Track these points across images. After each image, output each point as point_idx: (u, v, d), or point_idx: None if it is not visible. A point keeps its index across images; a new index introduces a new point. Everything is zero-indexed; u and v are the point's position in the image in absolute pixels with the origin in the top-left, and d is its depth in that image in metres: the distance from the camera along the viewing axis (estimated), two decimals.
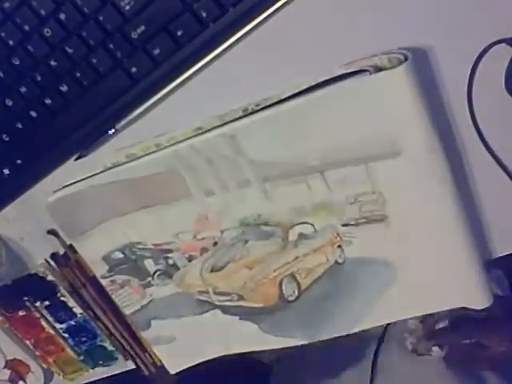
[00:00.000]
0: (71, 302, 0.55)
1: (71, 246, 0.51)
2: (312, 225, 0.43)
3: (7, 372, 0.62)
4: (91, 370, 0.61)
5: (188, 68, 0.40)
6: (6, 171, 0.48)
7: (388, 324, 0.59)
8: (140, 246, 0.48)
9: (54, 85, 0.43)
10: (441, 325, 0.61)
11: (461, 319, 0.58)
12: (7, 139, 0.46)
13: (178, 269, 0.49)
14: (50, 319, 0.57)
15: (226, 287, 0.47)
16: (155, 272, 0.50)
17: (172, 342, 0.53)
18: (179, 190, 0.44)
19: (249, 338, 0.50)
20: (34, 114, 0.44)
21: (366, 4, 0.36)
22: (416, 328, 0.65)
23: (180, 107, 0.42)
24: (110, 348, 0.57)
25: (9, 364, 0.62)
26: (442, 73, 0.37)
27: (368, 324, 0.45)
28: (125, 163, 0.44)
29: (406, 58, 0.34)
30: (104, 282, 0.51)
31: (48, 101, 0.43)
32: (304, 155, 0.40)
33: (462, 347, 0.60)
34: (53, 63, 0.42)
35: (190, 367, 0.55)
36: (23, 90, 0.43)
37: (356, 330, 0.46)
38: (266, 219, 0.44)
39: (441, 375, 0.62)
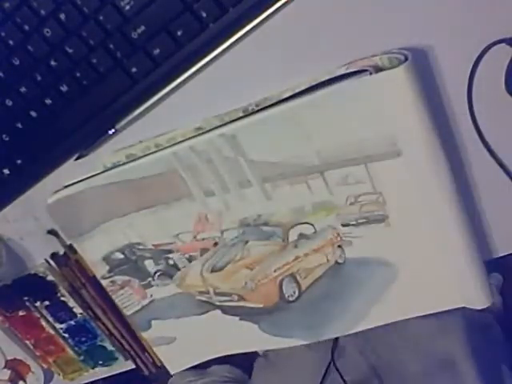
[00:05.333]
0: (71, 302, 0.55)
1: (71, 245, 0.51)
2: (312, 225, 0.43)
3: (7, 372, 0.62)
4: (91, 370, 0.61)
5: (188, 68, 0.40)
6: (6, 171, 0.47)
7: None
8: (140, 247, 0.48)
9: (54, 85, 0.43)
10: None
11: None
12: (7, 139, 0.46)
13: (179, 269, 0.49)
14: (50, 319, 0.57)
15: (226, 287, 0.47)
16: (155, 272, 0.50)
17: (172, 343, 0.53)
18: (179, 190, 0.44)
19: (249, 338, 0.50)
20: (34, 113, 0.44)
21: (366, 4, 0.36)
22: None
23: (180, 107, 0.42)
24: (110, 348, 0.57)
25: (9, 364, 0.62)
26: (442, 73, 0.37)
27: (368, 324, 0.45)
28: (125, 164, 0.44)
29: (406, 58, 0.34)
30: (104, 283, 0.51)
31: (48, 101, 0.43)
32: (304, 155, 0.40)
33: None
34: (53, 63, 0.42)
35: (190, 367, 0.55)
36: (23, 89, 0.43)
37: (356, 329, 0.46)
38: (267, 219, 0.44)
39: None
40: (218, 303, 0.49)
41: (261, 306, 0.47)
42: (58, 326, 0.57)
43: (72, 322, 0.57)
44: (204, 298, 0.49)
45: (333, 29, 0.37)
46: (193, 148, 0.42)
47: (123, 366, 0.59)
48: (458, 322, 0.55)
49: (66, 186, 0.47)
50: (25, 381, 0.63)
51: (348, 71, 0.36)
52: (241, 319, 0.49)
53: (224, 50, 0.40)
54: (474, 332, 0.57)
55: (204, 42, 0.39)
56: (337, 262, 0.44)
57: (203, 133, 0.42)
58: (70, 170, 0.47)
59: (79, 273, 0.52)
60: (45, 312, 0.56)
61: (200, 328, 0.51)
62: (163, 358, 0.55)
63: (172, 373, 0.55)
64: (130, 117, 0.43)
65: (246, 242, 0.45)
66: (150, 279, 0.50)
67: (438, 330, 0.54)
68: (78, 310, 0.55)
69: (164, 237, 0.47)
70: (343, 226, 0.42)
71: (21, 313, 0.57)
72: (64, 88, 0.42)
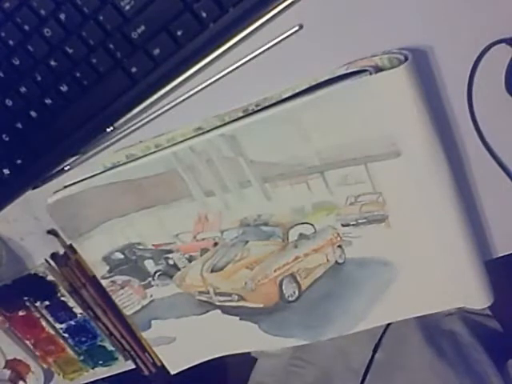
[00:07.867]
0: (71, 302, 0.55)
1: (71, 245, 0.51)
2: (312, 225, 0.43)
3: (7, 372, 0.62)
4: (91, 370, 0.61)
5: (188, 68, 0.40)
6: (6, 171, 0.47)
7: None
8: (140, 247, 0.48)
9: (54, 85, 0.43)
10: None
11: None
12: (7, 139, 0.46)
13: (179, 269, 0.49)
14: (50, 319, 0.57)
15: (226, 287, 0.47)
16: (155, 272, 0.50)
17: (172, 343, 0.53)
18: (179, 190, 0.44)
19: (249, 338, 0.50)
20: (33, 113, 0.44)
21: (366, 4, 0.36)
22: None
23: (180, 107, 0.42)
24: (110, 348, 0.57)
25: (9, 364, 0.62)
26: (442, 73, 0.37)
27: (368, 324, 0.45)
28: (125, 164, 0.44)
29: (406, 58, 0.34)
30: (104, 283, 0.51)
31: (48, 101, 0.43)
32: (304, 155, 0.40)
33: None
34: (53, 63, 0.42)
35: (190, 367, 0.55)
36: (23, 89, 0.43)
37: (356, 330, 0.46)
38: (266, 219, 0.44)
39: None
40: (218, 303, 0.49)
41: (261, 305, 0.47)
42: (58, 326, 0.57)
43: (72, 322, 0.57)
44: (204, 298, 0.49)
45: (333, 29, 0.37)
46: (193, 148, 0.42)
47: (123, 365, 0.59)
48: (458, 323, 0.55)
49: (66, 186, 0.47)
50: (25, 381, 0.63)
51: (348, 71, 0.36)
52: (241, 319, 0.49)
53: (224, 51, 0.39)
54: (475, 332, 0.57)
55: (204, 41, 0.39)
56: (337, 262, 0.44)
57: (203, 133, 0.42)
58: (70, 170, 0.47)
59: (79, 273, 0.52)
60: (45, 312, 0.56)
61: (200, 328, 0.51)
62: (163, 357, 0.55)
63: (172, 373, 0.55)
64: (130, 116, 0.43)
65: (246, 242, 0.45)
66: (150, 279, 0.50)
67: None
68: (77, 309, 0.55)
69: (164, 237, 0.47)
70: (343, 226, 0.42)
71: (21, 313, 0.57)
72: (64, 88, 0.42)
